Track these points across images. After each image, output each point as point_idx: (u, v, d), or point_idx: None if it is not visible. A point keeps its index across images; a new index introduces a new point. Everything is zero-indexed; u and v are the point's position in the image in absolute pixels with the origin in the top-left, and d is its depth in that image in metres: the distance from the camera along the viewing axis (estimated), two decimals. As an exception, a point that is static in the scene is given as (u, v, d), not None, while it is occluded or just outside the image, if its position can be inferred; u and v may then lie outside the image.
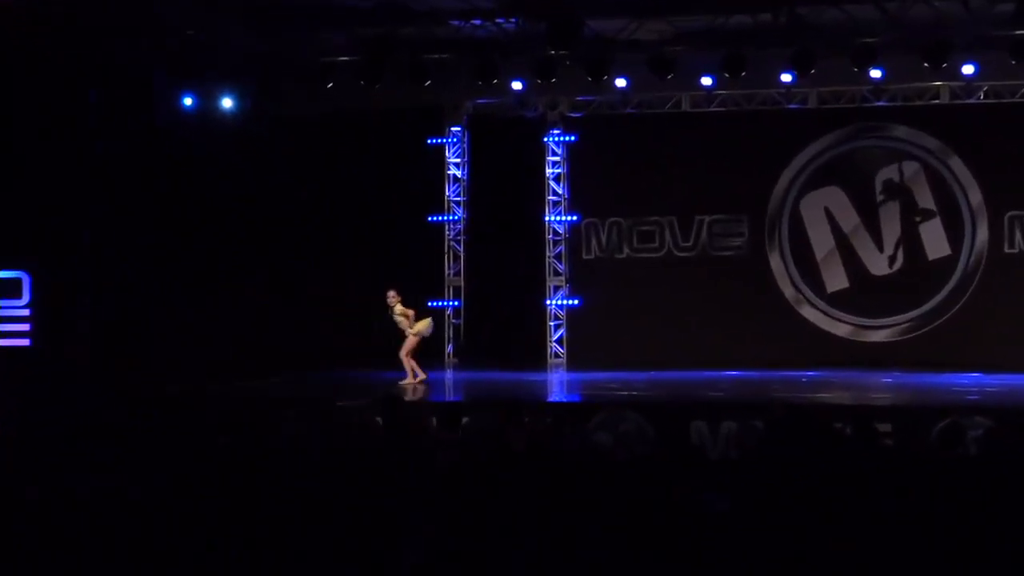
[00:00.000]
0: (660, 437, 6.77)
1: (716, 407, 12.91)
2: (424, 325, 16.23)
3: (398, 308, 16.37)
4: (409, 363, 16.11)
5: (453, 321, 19.72)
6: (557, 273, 19.73)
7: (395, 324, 16.28)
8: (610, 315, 19.26)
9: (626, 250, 19.51)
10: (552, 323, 19.72)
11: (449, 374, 17.99)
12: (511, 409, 8.78)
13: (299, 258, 19.20)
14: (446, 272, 19.76)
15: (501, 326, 19.40)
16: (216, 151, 18.12)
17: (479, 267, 19.82)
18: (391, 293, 16.40)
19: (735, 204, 19.09)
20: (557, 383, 17.88)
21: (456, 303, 19.78)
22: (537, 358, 19.36)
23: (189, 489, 6.05)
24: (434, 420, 9.38)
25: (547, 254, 19.69)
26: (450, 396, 15.86)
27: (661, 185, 19.18)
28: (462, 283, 19.76)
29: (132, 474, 6.29)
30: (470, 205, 19.99)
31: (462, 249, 19.95)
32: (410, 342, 16.13)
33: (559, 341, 19.70)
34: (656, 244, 19.37)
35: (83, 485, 6.01)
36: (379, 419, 9.00)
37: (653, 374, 17.37)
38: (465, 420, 8.67)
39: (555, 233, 19.74)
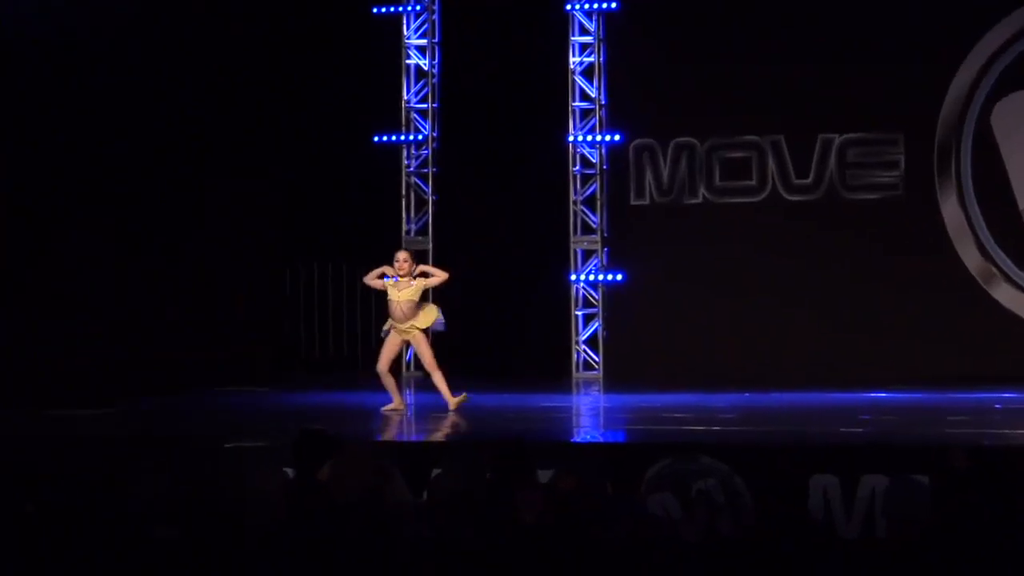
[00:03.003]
0: (760, 502, 6.71)
1: (852, 452, 12.85)
2: (434, 316, 16.12)
3: (415, 281, 16.01)
4: (389, 379, 16.08)
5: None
6: (588, 229, 19.77)
7: (388, 308, 15.93)
8: (675, 299, 19.29)
9: (703, 191, 19.59)
10: (579, 312, 19.78)
11: (409, 395, 17.98)
12: (513, 455, 8.69)
13: (158, 211, 19.09)
14: (404, 227, 19.76)
15: (495, 318, 19.38)
16: (25, 29, 18.03)
17: (458, 219, 19.81)
18: (402, 255, 16.01)
19: (883, 116, 19.19)
20: (588, 411, 17.88)
21: (422, 279, 19.82)
22: (556, 369, 19.44)
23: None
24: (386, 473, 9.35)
25: (572, 198, 19.76)
26: (411, 433, 15.84)
27: (759, 85, 19.21)
28: (430, 246, 19.74)
29: None
30: (443, 116, 20.01)
31: (430, 189, 19.96)
32: (423, 342, 15.97)
33: (590, 342, 19.71)
34: (753, 181, 19.47)
35: None
36: (289, 471, 9.00)
37: (745, 396, 17.43)
38: (436, 473, 8.59)
39: (585, 163, 19.78)
